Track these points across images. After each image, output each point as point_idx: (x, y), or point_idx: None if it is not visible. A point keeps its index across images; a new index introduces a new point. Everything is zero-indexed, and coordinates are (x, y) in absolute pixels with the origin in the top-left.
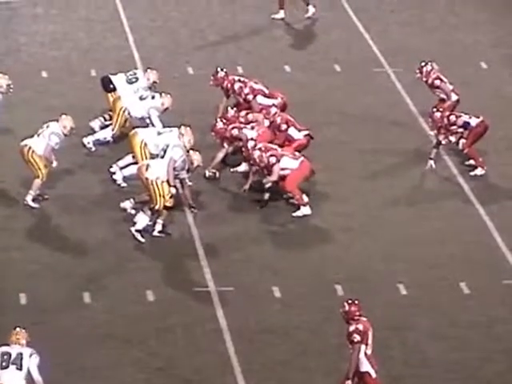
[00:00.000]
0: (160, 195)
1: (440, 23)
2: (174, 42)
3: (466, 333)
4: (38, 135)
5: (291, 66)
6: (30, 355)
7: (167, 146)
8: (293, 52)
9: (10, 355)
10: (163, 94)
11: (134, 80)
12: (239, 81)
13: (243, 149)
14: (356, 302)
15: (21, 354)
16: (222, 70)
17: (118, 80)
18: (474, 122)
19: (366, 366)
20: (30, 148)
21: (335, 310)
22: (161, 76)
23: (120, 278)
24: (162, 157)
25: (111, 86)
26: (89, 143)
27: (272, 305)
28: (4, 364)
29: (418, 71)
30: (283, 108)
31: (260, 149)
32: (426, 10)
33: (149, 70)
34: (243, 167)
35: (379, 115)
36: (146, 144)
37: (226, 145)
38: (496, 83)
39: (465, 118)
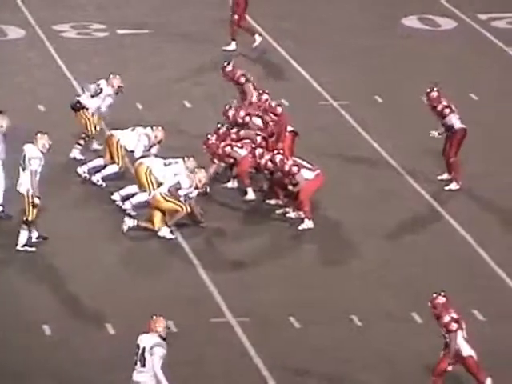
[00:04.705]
0: None
1: None
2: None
3: None
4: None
5: None
6: (151, 347)
7: None
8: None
9: (139, 349)
10: (154, 128)
11: (98, 91)
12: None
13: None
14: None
15: (144, 348)
16: (228, 63)
17: (84, 98)
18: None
19: (467, 350)
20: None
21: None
22: (115, 116)
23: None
24: None
25: (78, 104)
26: (84, 172)
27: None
28: (135, 358)
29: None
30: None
31: (282, 159)
32: None
33: (111, 76)
34: (233, 184)
35: None
36: (151, 171)
37: (216, 161)
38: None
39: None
